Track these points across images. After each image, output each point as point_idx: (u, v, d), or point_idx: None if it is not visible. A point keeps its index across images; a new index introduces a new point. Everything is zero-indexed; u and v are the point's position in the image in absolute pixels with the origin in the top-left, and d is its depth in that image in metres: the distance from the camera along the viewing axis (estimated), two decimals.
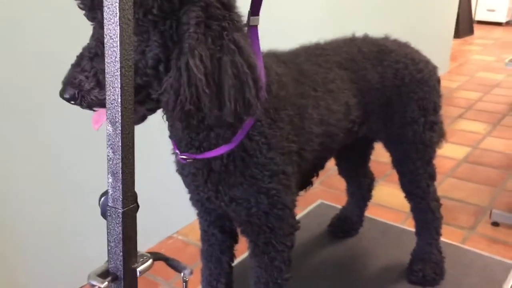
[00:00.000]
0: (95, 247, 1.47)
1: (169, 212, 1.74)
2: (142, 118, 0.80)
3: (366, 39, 1.16)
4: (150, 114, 0.82)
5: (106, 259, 0.67)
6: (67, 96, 0.73)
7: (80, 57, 0.74)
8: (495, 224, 2.05)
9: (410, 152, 1.20)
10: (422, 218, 1.31)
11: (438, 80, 1.21)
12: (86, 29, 0.76)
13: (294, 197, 0.98)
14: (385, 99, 1.14)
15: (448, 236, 1.61)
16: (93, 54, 0.73)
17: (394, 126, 1.18)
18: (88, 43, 0.75)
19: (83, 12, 0.74)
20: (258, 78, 0.75)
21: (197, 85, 0.70)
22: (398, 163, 1.25)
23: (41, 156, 1.29)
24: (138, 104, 0.76)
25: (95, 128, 0.78)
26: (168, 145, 1.02)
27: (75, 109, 1.28)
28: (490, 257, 1.46)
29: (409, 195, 1.29)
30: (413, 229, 1.37)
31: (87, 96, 0.73)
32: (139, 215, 0.64)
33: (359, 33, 1.19)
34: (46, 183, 1.31)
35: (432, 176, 1.26)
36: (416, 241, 1.36)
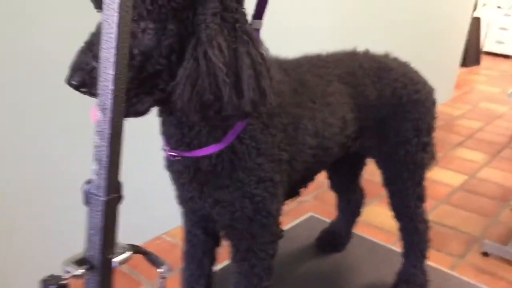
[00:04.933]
0: None
1: (159, 212, 1.73)
2: (147, 110, 0.78)
3: (367, 55, 1.16)
4: (156, 106, 0.81)
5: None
6: (74, 82, 0.69)
7: (91, 43, 0.71)
8: (485, 254, 2.04)
9: (401, 172, 1.21)
10: (409, 239, 1.31)
11: (433, 102, 1.21)
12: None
13: (280, 205, 0.98)
14: (380, 117, 1.14)
15: (437, 262, 1.60)
16: None
17: (387, 144, 1.18)
18: (96, 30, 0.72)
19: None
20: (269, 69, 0.76)
21: (216, 74, 0.70)
22: (389, 182, 1.25)
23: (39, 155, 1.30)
24: (145, 95, 0.76)
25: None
26: (160, 142, 1.01)
27: (67, 102, 1.29)
28: (477, 286, 1.45)
29: (397, 215, 1.29)
30: (401, 250, 1.37)
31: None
32: (127, 211, 0.62)
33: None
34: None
35: (421, 198, 1.25)
36: (402, 262, 1.35)
